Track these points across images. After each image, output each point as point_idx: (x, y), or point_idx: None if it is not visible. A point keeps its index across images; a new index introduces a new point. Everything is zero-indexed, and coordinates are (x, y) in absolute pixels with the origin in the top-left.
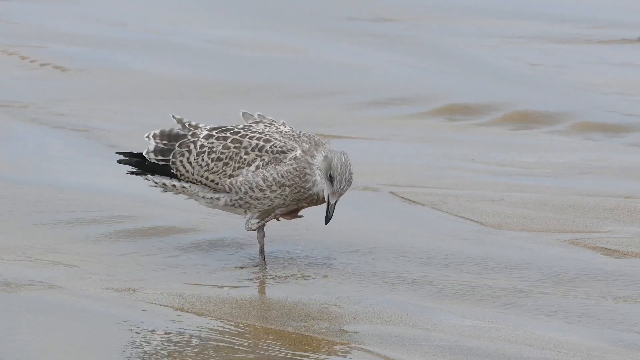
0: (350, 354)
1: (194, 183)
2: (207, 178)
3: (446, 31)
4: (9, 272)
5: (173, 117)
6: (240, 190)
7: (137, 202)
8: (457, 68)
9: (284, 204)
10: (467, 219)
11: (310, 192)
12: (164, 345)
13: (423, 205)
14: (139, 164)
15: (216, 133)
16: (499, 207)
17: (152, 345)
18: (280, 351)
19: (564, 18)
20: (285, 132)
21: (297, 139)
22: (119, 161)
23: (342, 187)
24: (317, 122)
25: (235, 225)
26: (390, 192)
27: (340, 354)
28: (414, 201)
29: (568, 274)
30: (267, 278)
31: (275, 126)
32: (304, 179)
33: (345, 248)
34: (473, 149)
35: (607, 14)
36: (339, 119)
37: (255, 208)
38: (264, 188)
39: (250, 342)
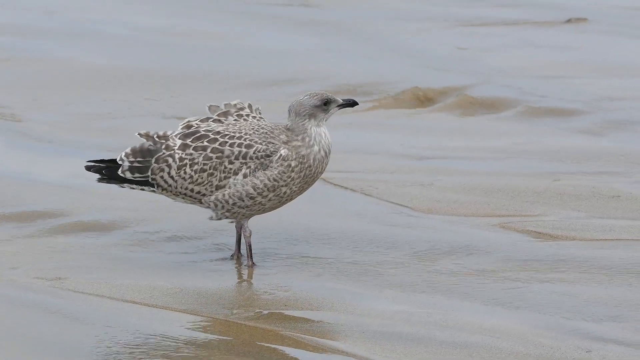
0: (281, 341)
1: (178, 195)
2: (192, 190)
3: (374, 15)
4: None
5: (138, 134)
6: (228, 203)
7: (69, 194)
8: (388, 53)
9: (279, 203)
10: (397, 204)
11: (311, 161)
12: (90, 331)
13: (353, 190)
14: (111, 172)
15: (191, 142)
16: (429, 191)
17: (80, 332)
18: (205, 338)
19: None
20: (260, 128)
21: (273, 136)
22: (88, 168)
23: (328, 95)
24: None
25: (168, 218)
26: (320, 178)
27: (270, 341)
28: (344, 187)
29: (498, 258)
30: (197, 266)
31: (246, 120)
32: (305, 162)
33: (275, 236)
34: (403, 135)
35: None
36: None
37: (243, 216)
38: (255, 195)
39: (175, 329)
